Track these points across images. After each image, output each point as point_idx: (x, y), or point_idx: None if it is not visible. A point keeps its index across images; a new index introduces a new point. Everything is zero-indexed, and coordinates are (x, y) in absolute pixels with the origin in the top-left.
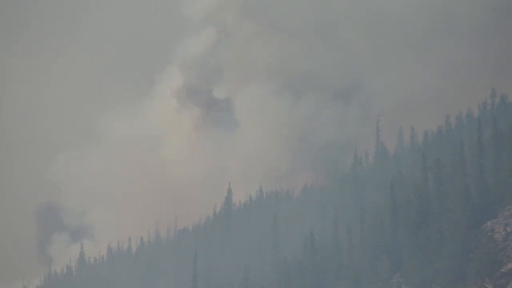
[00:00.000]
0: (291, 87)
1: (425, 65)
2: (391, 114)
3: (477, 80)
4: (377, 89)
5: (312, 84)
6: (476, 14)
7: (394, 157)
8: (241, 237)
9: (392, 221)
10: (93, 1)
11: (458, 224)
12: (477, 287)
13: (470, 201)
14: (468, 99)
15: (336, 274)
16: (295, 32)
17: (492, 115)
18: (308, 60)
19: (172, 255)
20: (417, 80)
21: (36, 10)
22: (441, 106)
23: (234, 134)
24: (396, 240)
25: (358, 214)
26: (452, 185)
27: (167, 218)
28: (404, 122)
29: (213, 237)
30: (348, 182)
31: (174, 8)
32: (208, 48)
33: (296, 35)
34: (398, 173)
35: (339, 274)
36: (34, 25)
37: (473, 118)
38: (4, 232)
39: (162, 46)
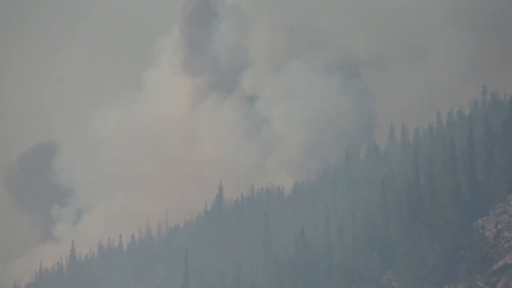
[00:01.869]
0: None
1: (416, 63)
2: (382, 112)
3: (468, 77)
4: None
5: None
6: (468, 12)
7: (385, 154)
8: (233, 235)
9: (383, 219)
10: None
11: (449, 221)
12: (469, 285)
13: (461, 198)
14: (459, 96)
15: (327, 272)
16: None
17: (483, 113)
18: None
19: (163, 252)
20: (408, 78)
21: (32, 9)
22: (432, 103)
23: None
24: (387, 237)
25: (349, 211)
26: (443, 183)
27: (158, 215)
28: (395, 120)
29: (205, 234)
30: (339, 179)
31: None
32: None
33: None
34: (390, 171)
35: (330, 272)
36: (31, 24)
37: (464, 116)
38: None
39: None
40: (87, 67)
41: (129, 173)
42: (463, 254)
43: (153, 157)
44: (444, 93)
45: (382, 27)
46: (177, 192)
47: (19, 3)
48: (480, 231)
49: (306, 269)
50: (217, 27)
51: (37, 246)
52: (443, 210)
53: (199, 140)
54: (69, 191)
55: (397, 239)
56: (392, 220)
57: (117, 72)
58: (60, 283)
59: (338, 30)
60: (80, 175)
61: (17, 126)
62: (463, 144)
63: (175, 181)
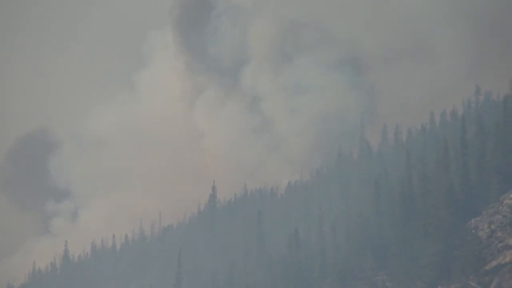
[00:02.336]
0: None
1: (410, 64)
2: (376, 112)
3: (462, 77)
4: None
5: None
6: (466, 13)
7: (378, 154)
8: (226, 235)
9: (376, 219)
10: None
11: (442, 221)
12: (462, 285)
13: (454, 198)
14: (453, 96)
15: (320, 272)
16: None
17: (476, 113)
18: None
19: (157, 253)
20: (401, 78)
21: (32, 8)
22: (425, 103)
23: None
24: (380, 237)
25: (343, 211)
26: (436, 183)
27: (151, 215)
28: (388, 120)
29: (198, 234)
30: (332, 179)
31: None
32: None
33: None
34: (383, 171)
35: (324, 272)
36: (30, 24)
37: (457, 116)
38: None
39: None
40: (85, 66)
41: (126, 172)
42: (456, 254)
43: (151, 156)
44: (438, 93)
45: (378, 27)
46: (176, 191)
47: (18, 2)
48: (473, 231)
49: (300, 269)
50: (217, 25)
51: (30, 246)
52: (436, 210)
53: (199, 139)
54: (64, 190)
55: (390, 239)
56: (385, 220)
57: (115, 70)
58: (53, 283)
59: (337, 28)
60: (76, 174)
61: (12, 123)
62: (456, 144)
63: (173, 180)
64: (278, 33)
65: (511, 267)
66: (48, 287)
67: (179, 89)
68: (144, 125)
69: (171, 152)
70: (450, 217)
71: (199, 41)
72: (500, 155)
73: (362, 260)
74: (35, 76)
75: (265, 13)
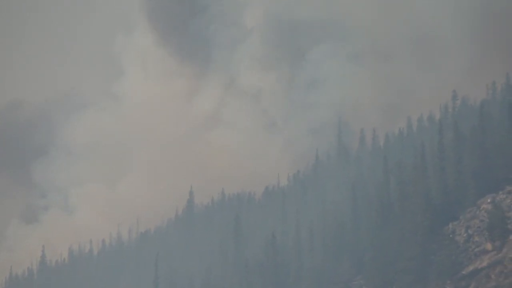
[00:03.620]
0: None
1: (386, 67)
2: (352, 116)
3: (439, 82)
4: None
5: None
6: (436, 17)
7: (355, 158)
8: (203, 239)
9: (353, 223)
10: None
11: (419, 226)
12: None
13: (431, 203)
14: (430, 101)
15: (297, 276)
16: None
17: (453, 117)
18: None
19: (134, 258)
20: (378, 82)
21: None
22: (403, 108)
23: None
24: (357, 242)
25: (319, 216)
26: (413, 187)
27: (129, 220)
28: (366, 124)
29: (175, 239)
30: (309, 183)
31: None
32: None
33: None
34: (360, 175)
35: (300, 276)
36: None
37: (434, 121)
38: None
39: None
40: (75, 68)
41: (114, 172)
42: (433, 258)
43: (146, 153)
44: (415, 98)
45: (369, 26)
46: (148, 197)
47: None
48: (451, 235)
49: (276, 273)
50: (218, 18)
51: (7, 251)
52: (413, 215)
53: (201, 136)
54: (44, 192)
55: (367, 243)
56: (362, 225)
57: (110, 70)
58: None
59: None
60: (60, 176)
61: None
62: (433, 148)
63: (146, 185)
64: (279, 31)
65: (488, 271)
66: None
67: (180, 87)
68: (137, 126)
69: (166, 150)
70: (427, 222)
71: (197, 39)
72: (477, 160)
73: (338, 264)
74: (34, 73)
75: (262, 11)
